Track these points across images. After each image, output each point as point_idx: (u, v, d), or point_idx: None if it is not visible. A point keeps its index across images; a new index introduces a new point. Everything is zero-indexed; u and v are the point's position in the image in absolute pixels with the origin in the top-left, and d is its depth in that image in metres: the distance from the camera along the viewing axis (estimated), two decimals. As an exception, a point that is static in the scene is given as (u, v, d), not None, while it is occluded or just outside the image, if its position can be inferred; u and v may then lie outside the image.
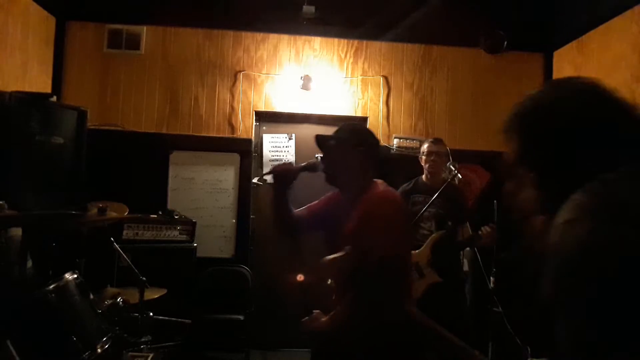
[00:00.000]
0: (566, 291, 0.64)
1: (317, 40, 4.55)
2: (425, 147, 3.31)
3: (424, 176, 3.31)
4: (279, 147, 4.53)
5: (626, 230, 0.59)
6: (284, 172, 1.96)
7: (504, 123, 0.96)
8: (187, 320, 3.50)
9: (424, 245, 3.06)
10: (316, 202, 2.12)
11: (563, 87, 0.93)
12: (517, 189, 0.91)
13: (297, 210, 2.07)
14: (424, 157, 3.29)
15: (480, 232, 3.07)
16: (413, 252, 2.98)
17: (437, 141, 3.32)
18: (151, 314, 2.92)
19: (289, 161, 2.00)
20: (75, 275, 2.39)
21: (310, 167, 1.97)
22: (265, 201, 4.47)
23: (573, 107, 0.86)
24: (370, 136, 1.99)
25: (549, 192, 0.85)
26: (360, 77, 4.57)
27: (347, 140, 1.90)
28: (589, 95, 0.87)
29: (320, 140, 1.96)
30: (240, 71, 4.48)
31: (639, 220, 0.59)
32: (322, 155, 1.96)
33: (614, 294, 0.58)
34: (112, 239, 3.05)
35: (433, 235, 3.10)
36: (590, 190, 0.68)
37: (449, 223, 3.16)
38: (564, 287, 0.65)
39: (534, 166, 0.89)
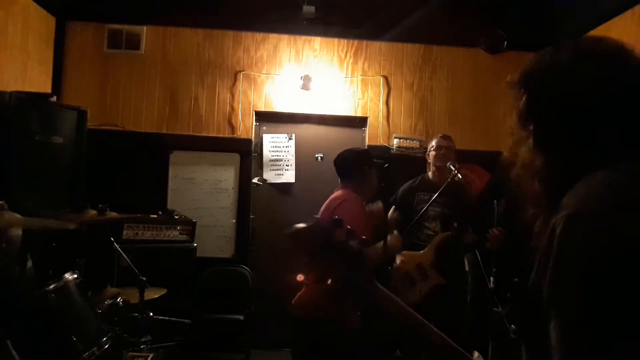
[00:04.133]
0: (565, 289, 0.59)
1: (317, 40, 4.55)
2: (434, 142, 3.26)
3: (430, 173, 3.26)
4: (279, 147, 4.53)
5: (633, 230, 0.55)
6: None
7: (510, 83, 0.80)
8: (187, 320, 3.50)
9: (428, 247, 2.96)
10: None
11: (586, 46, 0.77)
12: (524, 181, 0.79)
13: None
14: (433, 152, 3.22)
15: (487, 235, 2.95)
16: (417, 253, 2.94)
17: (446, 137, 3.28)
18: (151, 314, 2.91)
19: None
20: (75, 275, 2.39)
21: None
22: (266, 201, 4.49)
23: (596, 69, 0.72)
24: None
25: (557, 177, 0.73)
26: (360, 77, 4.57)
27: None
28: (616, 58, 0.73)
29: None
30: (240, 71, 4.48)
31: None
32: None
33: (616, 295, 0.55)
34: (112, 239, 3.05)
35: (438, 236, 3.00)
36: (596, 181, 0.62)
37: (455, 224, 3.06)
38: (563, 285, 0.60)
39: (544, 142, 0.76)
